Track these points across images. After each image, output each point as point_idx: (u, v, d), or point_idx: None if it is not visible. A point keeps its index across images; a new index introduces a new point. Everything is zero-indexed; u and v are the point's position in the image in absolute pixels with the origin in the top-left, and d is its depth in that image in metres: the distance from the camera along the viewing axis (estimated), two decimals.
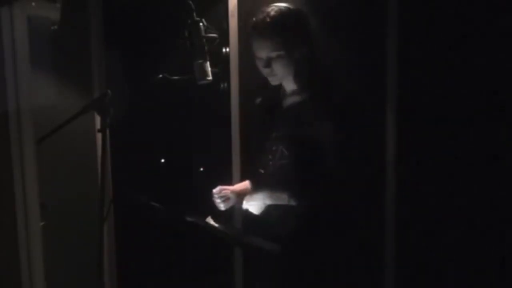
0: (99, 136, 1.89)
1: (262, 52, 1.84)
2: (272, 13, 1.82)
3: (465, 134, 2.28)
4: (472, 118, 2.27)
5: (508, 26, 2.19)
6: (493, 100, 2.25)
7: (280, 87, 1.98)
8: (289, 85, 1.93)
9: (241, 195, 2.01)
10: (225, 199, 2.02)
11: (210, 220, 1.93)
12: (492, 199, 2.28)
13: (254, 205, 1.94)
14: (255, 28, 1.84)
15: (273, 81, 1.91)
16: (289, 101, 1.95)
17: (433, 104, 2.31)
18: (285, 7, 1.85)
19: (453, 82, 2.28)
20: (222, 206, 2.03)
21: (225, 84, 2.50)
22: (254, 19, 1.86)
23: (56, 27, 2.05)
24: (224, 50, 2.46)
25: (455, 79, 2.28)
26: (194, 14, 2.07)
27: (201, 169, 2.63)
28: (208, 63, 2.08)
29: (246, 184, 2.15)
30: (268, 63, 1.84)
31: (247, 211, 1.96)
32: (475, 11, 2.23)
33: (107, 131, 1.83)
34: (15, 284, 1.58)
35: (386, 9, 2.29)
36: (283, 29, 1.80)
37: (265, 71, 1.87)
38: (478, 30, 2.23)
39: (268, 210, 1.92)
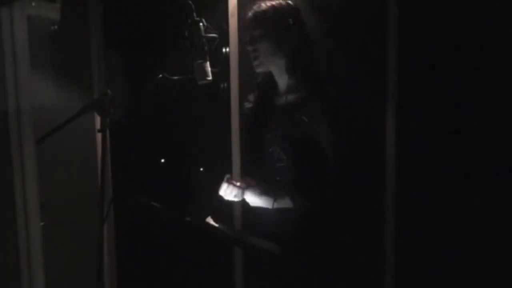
0: (99, 136, 1.89)
1: (249, 31, 1.92)
2: (264, 2, 1.91)
3: (465, 133, 2.29)
4: (472, 118, 2.27)
5: (508, 25, 2.19)
6: (493, 100, 2.25)
7: (273, 85, 1.97)
8: (283, 82, 1.93)
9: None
10: (235, 192, 1.97)
11: (210, 220, 1.93)
12: (493, 199, 2.28)
13: (256, 201, 1.94)
14: (248, 15, 1.94)
15: (257, 66, 1.92)
16: (284, 99, 1.94)
17: (433, 102, 2.31)
18: (283, 2, 1.91)
19: (454, 82, 2.28)
20: (234, 198, 1.97)
21: (225, 84, 2.50)
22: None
23: (56, 27, 2.05)
24: (224, 50, 2.46)
25: (455, 79, 2.28)
26: (194, 14, 2.07)
27: (201, 169, 2.63)
28: (208, 63, 2.08)
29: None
30: (251, 40, 1.90)
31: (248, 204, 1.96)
32: (475, 10, 2.23)
33: (107, 131, 1.84)
34: (15, 284, 1.57)
35: (386, 8, 2.29)
36: (269, 14, 1.88)
37: (249, 50, 1.93)
38: (478, 30, 2.23)
39: (267, 210, 1.92)
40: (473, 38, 2.24)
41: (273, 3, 1.89)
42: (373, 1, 2.32)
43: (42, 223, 1.66)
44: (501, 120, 2.24)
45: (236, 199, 1.98)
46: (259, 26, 1.88)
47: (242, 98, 2.45)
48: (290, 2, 1.92)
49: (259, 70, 1.93)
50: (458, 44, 2.26)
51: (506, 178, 2.25)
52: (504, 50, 2.21)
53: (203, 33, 2.08)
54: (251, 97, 2.07)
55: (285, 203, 1.85)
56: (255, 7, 1.91)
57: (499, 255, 2.29)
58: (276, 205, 1.87)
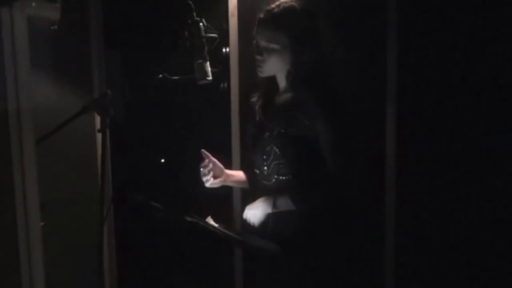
0: (99, 136, 1.89)
1: (260, 39, 1.86)
2: (283, 6, 1.84)
3: (465, 133, 2.29)
4: (472, 117, 2.28)
5: (508, 25, 2.19)
6: (493, 99, 2.25)
7: (274, 84, 1.97)
8: (282, 82, 1.93)
9: (230, 177, 2.08)
10: (211, 174, 2.03)
11: (210, 220, 1.93)
12: (492, 199, 2.28)
13: (254, 214, 1.92)
14: (263, 15, 1.86)
15: (261, 72, 1.91)
16: (282, 99, 1.94)
17: (433, 102, 2.32)
18: (298, 7, 1.85)
19: (453, 82, 2.29)
20: (207, 181, 2.03)
21: (225, 84, 2.50)
22: (267, 7, 1.88)
23: (56, 27, 2.05)
24: (224, 50, 2.46)
25: (455, 79, 2.28)
26: (194, 14, 2.07)
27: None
28: (208, 63, 2.08)
29: (240, 173, 2.17)
30: (261, 51, 1.86)
31: (246, 220, 1.94)
32: (475, 11, 2.23)
33: (107, 131, 1.84)
34: (15, 284, 1.57)
35: (386, 7, 2.29)
36: (286, 25, 1.82)
37: (256, 57, 1.89)
38: (478, 30, 2.23)
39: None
40: (473, 38, 2.24)
41: (286, 7, 1.83)
42: (373, 1, 2.33)
43: (42, 223, 1.66)
44: (501, 120, 2.25)
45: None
46: (268, 39, 1.83)
47: (242, 98, 2.45)
48: (304, 5, 1.86)
49: (262, 75, 1.93)
50: (458, 43, 2.26)
51: (506, 177, 2.26)
52: (504, 50, 2.21)
53: (203, 33, 2.08)
54: (254, 97, 2.07)
55: (286, 203, 1.85)
56: (269, 11, 1.84)
57: (499, 254, 2.30)
58: (277, 206, 1.87)
